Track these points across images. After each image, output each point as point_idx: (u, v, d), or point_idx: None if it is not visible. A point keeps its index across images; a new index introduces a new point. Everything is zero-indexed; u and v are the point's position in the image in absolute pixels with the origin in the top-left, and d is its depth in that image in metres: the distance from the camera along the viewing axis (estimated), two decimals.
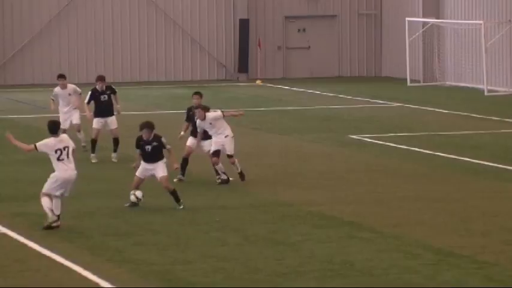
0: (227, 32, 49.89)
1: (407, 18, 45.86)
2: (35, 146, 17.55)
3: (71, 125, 26.32)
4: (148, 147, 19.78)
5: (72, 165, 17.63)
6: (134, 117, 32.50)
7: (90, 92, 26.16)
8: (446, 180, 24.30)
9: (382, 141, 30.55)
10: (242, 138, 27.86)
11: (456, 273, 16.24)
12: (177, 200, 20.36)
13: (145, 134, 20.43)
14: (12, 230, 17.45)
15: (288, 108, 39.46)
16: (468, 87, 44.33)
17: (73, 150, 17.74)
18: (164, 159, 20.13)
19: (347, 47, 50.63)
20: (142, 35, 50.46)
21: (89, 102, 26.09)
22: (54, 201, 17.56)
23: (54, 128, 17.76)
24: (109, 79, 34.54)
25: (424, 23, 46.37)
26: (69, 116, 25.98)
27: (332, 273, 15.42)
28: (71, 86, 26.92)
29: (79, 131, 26.19)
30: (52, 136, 17.57)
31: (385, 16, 50.02)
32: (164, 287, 15.16)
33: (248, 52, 49.51)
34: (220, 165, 22.45)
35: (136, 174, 20.24)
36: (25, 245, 16.33)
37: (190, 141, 22.83)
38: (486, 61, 41.55)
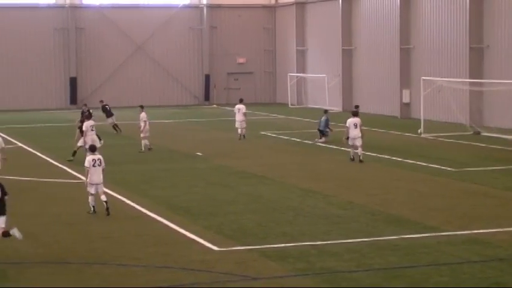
0: (199, 79, 69.97)
1: (289, 74, 67.77)
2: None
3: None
4: None
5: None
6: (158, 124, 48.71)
7: None
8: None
9: (276, 135, 44.04)
10: (202, 133, 44.25)
11: None
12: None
13: None
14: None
15: (227, 118, 49.42)
16: (315, 107, 60.89)
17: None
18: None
19: (260, 87, 71.53)
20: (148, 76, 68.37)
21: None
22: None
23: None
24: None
25: (297, 76, 67.50)
26: None
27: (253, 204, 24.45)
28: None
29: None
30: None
31: (278, 73, 72.01)
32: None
33: (209, 90, 69.54)
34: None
35: None
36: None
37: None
38: (328, 96, 61.75)
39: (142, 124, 36.98)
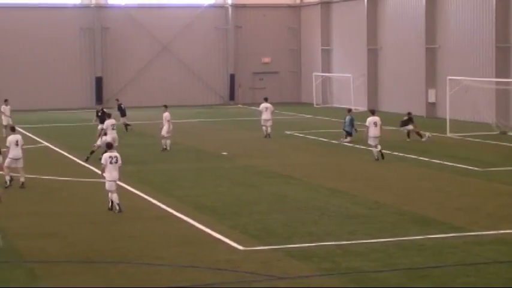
0: (224, 79, 70.21)
1: (314, 73, 67.71)
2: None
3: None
4: None
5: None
6: (181, 124, 49.35)
7: None
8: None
9: (301, 134, 44.29)
10: (227, 133, 44.80)
11: None
12: None
13: None
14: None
15: (253, 118, 50.05)
16: (341, 107, 59.75)
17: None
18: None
19: (285, 87, 71.14)
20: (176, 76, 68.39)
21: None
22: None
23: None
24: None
25: (322, 76, 67.56)
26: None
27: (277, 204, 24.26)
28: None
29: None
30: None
31: (303, 72, 71.83)
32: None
33: (234, 89, 70.12)
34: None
35: None
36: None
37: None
38: (353, 96, 61.59)
39: (165, 124, 36.88)
